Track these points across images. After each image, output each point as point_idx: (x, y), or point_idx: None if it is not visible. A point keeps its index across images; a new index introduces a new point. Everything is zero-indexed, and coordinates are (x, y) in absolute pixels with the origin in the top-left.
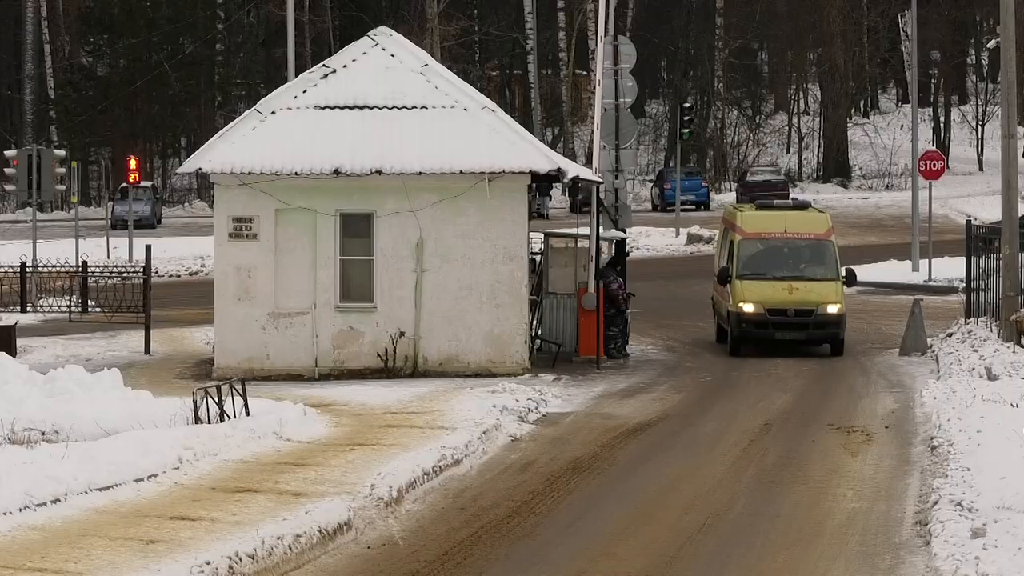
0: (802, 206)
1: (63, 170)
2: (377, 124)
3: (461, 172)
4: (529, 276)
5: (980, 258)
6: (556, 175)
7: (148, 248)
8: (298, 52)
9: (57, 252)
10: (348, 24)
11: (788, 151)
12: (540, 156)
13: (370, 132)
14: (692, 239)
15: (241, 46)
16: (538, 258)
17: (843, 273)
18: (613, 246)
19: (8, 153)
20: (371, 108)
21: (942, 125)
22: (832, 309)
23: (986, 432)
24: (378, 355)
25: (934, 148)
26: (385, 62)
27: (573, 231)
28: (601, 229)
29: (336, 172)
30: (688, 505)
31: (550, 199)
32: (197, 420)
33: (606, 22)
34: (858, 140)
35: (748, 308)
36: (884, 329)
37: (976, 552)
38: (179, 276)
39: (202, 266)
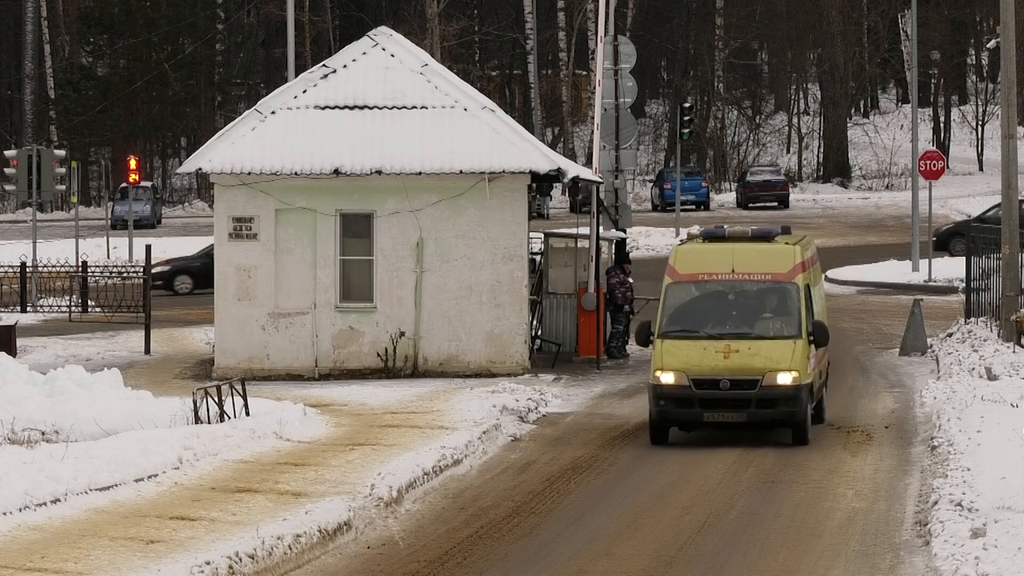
0: (764, 236)
1: (63, 170)
2: (377, 124)
3: (461, 172)
4: (529, 276)
5: (980, 258)
6: (556, 175)
7: (148, 248)
8: (298, 52)
9: (57, 252)
10: (348, 24)
11: (788, 151)
12: (540, 156)
13: (370, 132)
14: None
15: (241, 46)
16: (538, 258)
17: (810, 328)
18: (613, 246)
19: (8, 153)
20: (371, 108)
21: (942, 125)
22: (785, 379)
23: (986, 432)
24: (378, 355)
25: (934, 148)
26: (385, 62)
27: (573, 231)
28: (601, 229)
29: (336, 172)
30: (688, 505)
31: (550, 199)
32: (197, 420)
33: (606, 22)
34: (858, 140)
35: (667, 378)
36: (884, 329)
37: (976, 552)
38: None
39: None
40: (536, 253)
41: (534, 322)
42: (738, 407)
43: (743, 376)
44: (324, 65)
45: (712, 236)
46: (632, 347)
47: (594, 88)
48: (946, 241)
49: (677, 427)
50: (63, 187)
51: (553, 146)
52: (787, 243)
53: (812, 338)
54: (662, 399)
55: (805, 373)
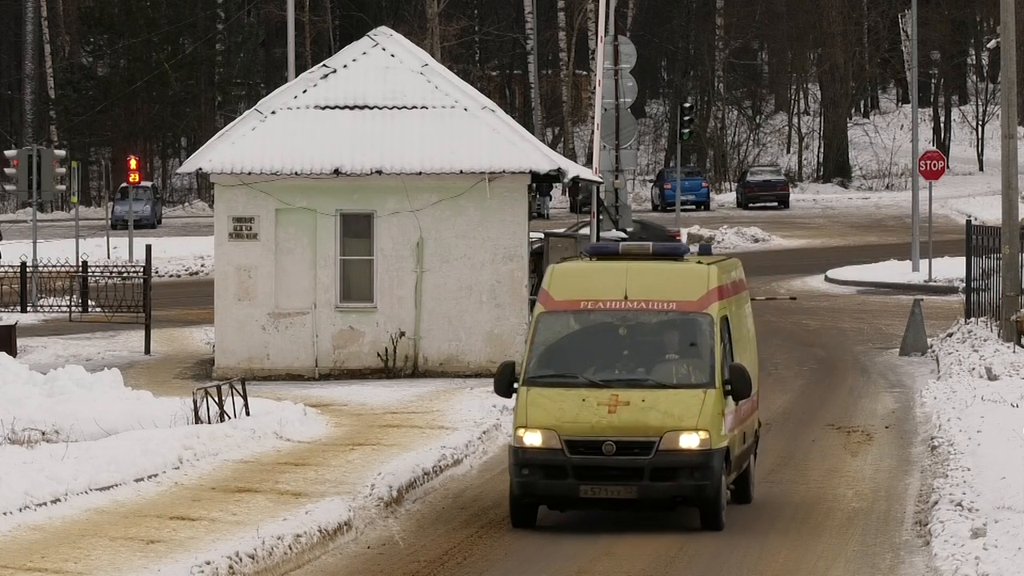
0: (670, 253)
1: (63, 170)
2: (377, 124)
3: (461, 172)
4: (529, 276)
5: (980, 258)
6: (556, 175)
7: (148, 248)
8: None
9: (57, 252)
10: (348, 24)
11: (788, 151)
12: (540, 156)
13: (370, 132)
14: (692, 239)
15: (241, 46)
16: (543, 246)
17: (727, 375)
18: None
19: (8, 153)
20: (371, 108)
21: (942, 125)
22: (690, 441)
23: (986, 432)
24: (378, 355)
25: (934, 148)
26: (385, 62)
27: (573, 231)
28: (601, 229)
29: (336, 172)
30: None
31: (550, 199)
32: (197, 420)
33: (606, 22)
34: (858, 140)
35: (532, 439)
36: (884, 329)
37: (976, 552)
38: (179, 276)
39: (202, 266)
40: (535, 242)
41: None
42: (627, 478)
43: (634, 437)
44: (324, 65)
45: (600, 252)
46: None
47: (594, 88)
48: None
49: (546, 505)
50: (63, 187)
51: (553, 146)
52: (700, 263)
53: (729, 388)
54: (526, 467)
55: (718, 434)
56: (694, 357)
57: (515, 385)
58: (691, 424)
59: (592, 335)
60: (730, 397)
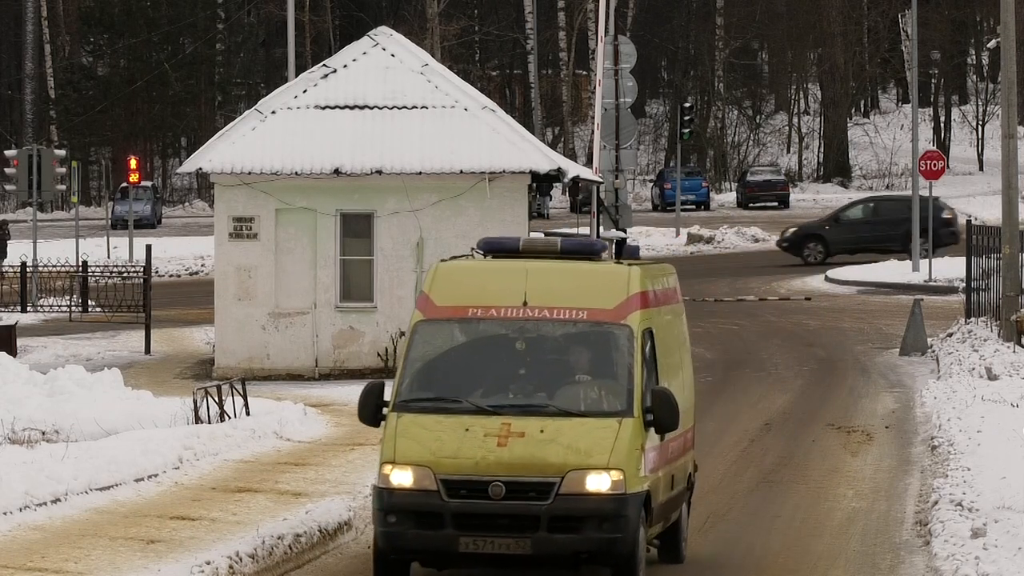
0: (583, 251)
1: (63, 170)
2: (377, 124)
3: (461, 172)
4: None
5: (980, 258)
6: (556, 175)
7: (148, 248)
8: (298, 52)
9: (57, 252)
10: (348, 24)
11: (788, 151)
12: (540, 156)
13: (370, 132)
14: (692, 239)
15: (241, 46)
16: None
17: (648, 402)
18: (613, 246)
19: (8, 153)
20: (371, 108)
21: (942, 125)
22: (599, 482)
23: (986, 432)
24: (378, 355)
25: (934, 148)
26: (385, 62)
27: (573, 231)
28: (601, 229)
29: (336, 172)
30: None
31: (550, 199)
32: (197, 420)
33: (606, 22)
34: (858, 140)
35: (401, 478)
36: (884, 329)
37: (976, 552)
38: (179, 276)
39: (202, 266)
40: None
41: None
42: (519, 529)
43: (529, 477)
44: (324, 65)
45: (496, 247)
46: None
47: (594, 88)
48: (799, 245)
49: (418, 561)
50: (63, 187)
51: (553, 146)
52: (620, 264)
53: (651, 417)
54: (393, 513)
55: (635, 475)
56: (608, 378)
57: (384, 411)
58: (601, 461)
59: (481, 350)
60: (652, 429)
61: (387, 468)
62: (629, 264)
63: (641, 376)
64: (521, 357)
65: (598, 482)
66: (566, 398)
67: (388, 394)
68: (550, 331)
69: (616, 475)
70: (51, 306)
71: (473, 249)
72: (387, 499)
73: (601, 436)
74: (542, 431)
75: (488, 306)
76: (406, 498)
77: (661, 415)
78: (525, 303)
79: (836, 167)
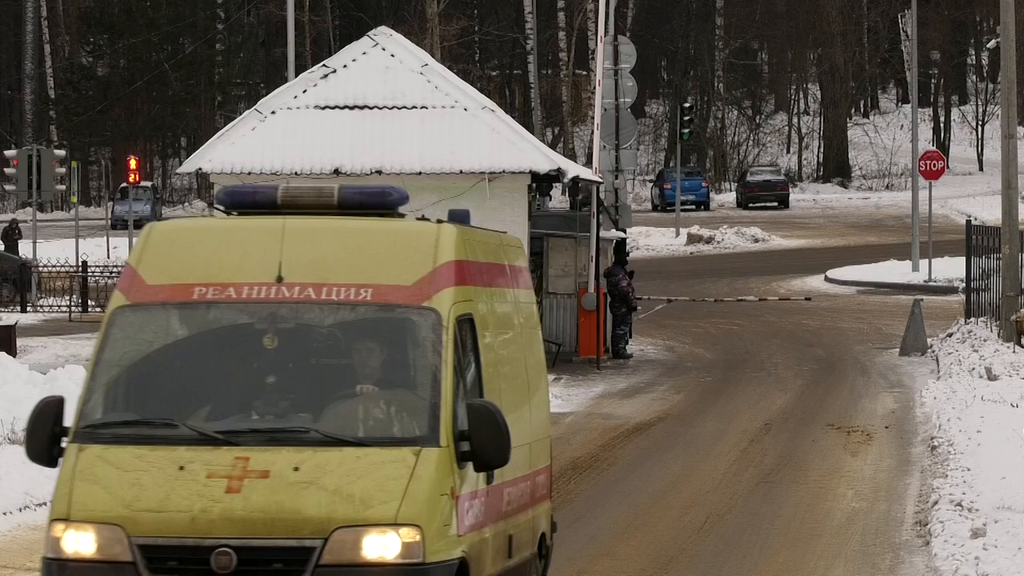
0: (370, 202)
1: (63, 170)
2: (377, 124)
3: (461, 172)
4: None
5: (980, 258)
6: (556, 175)
7: None
8: (298, 52)
9: (57, 252)
10: (348, 24)
11: (788, 151)
12: (540, 156)
13: (370, 132)
14: (692, 239)
15: (241, 46)
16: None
17: (461, 424)
18: (613, 246)
19: (8, 153)
20: (371, 108)
21: (942, 125)
22: (382, 547)
23: (986, 432)
24: None
25: (934, 148)
26: (385, 62)
27: (573, 231)
28: (601, 229)
29: (336, 172)
30: (688, 505)
31: (550, 199)
32: None
33: (606, 22)
34: (858, 140)
35: (79, 542)
36: (884, 329)
37: (976, 552)
38: None
39: None
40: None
41: None
42: None
43: (274, 539)
44: (324, 65)
45: (243, 200)
46: (632, 347)
47: (594, 88)
48: None
49: None
50: (63, 187)
51: (553, 146)
52: (427, 222)
53: (468, 447)
54: None
55: (442, 533)
56: (401, 388)
57: (63, 442)
58: (386, 514)
59: (212, 349)
60: (470, 465)
61: (58, 528)
62: (441, 222)
63: (453, 385)
64: (271, 359)
65: (381, 545)
66: (337, 419)
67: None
68: (316, 319)
69: (410, 534)
70: (51, 306)
71: (212, 204)
72: (55, 568)
73: (388, 475)
74: (297, 469)
75: (224, 284)
76: (86, 574)
77: (483, 443)
78: (280, 279)
79: (836, 167)
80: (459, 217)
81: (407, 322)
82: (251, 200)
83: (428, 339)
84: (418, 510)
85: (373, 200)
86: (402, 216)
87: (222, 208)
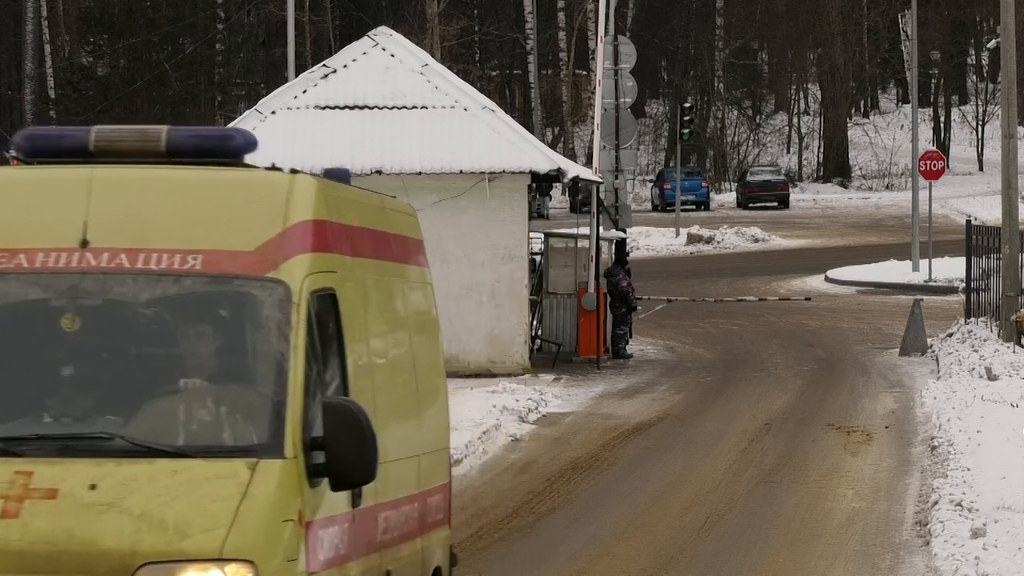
0: (211, 147)
1: None
2: (377, 124)
3: (461, 172)
4: (529, 276)
5: (980, 258)
6: (556, 175)
7: None
8: (298, 52)
9: None
10: (348, 24)
11: (788, 151)
12: (540, 156)
13: (370, 132)
14: (692, 239)
15: (241, 46)
16: (538, 258)
17: (313, 429)
18: (613, 246)
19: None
20: (371, 108)
21: (942, 125)
22: None
23: (986, 432)
24: None
25: (934, 148)
26: (385, 62)
27: (573, 231)
28: (601, 229)
29: None
30: (688, 505)
31: (550, 199)
32: None
33: (606, 22)
34: (858, 140)
35: None
36: (884, 329)
37: (976, 552)
38: None
39: None
40: (536, 253)
41: (534, 322)
42: None
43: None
44: (324, 65)
45: (48, 147)
46: (632, 347)
47: (594, 88)
48: None
49: None
50: None
51: (553, 146)
52: (279, 171)
53: (323, 459)
54: None
55: (283, 568)
56: (235, 382)
57: None
58: (209, 545)
59: None
60: (326, 481)
61: None
62: (297, 172)
63: (304, 379)
64: (70, 345)
65: None
66: (151, 422)
67: None
68: (129, 294)
69: (239, 572)
70: None
71: (8, 152)
72: None
73: (212, 495)
74: (94, 487)
75: (13, 250)
76: None
77: (341, 453)
78: (84, 243)
79: (836, 167)
80: (337, 175)
81: (246, 297)
82: (56, 146)
83: (273, 319)
84: (251, 541)
85: (211, 145)
86: (249, 167)
87: (20, 156)
